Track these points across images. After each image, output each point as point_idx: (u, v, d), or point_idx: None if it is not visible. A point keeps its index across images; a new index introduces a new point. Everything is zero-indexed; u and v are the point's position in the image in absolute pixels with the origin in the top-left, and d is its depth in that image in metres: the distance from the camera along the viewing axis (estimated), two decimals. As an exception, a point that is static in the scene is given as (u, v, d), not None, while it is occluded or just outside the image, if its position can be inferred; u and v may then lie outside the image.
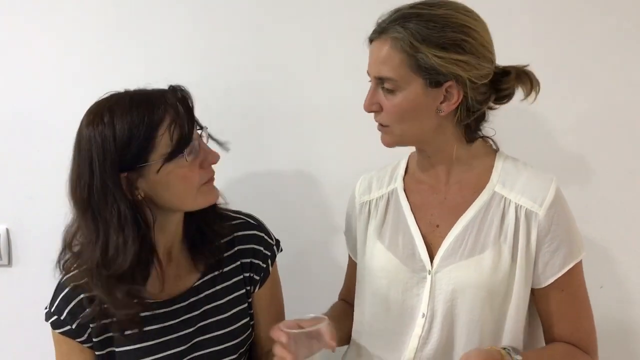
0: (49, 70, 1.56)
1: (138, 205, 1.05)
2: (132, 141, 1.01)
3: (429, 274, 1.13)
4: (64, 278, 1.15)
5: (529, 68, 1.11)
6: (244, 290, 1.23)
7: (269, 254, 1.26)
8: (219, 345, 1.19)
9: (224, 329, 1.20)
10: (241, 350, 1.23)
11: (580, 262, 1.11)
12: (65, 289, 1.14)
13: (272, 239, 1.28)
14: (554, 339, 1.13)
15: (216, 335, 1.19)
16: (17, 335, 1.65)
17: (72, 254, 1.11)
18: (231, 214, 1.26)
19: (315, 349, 1.10)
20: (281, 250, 1.30)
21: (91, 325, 1.13)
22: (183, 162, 1.06)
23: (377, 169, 1.31)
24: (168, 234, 1.15)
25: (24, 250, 1.64)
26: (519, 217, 1.09)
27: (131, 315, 1.08)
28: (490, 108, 1.13)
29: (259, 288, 1.26)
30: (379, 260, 1.20)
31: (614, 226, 1.49)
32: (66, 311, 1.13)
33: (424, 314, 1.13)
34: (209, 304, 1.19)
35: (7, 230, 1.63)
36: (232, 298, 1.22)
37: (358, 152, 1.53)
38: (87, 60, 1.55)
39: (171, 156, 1.04)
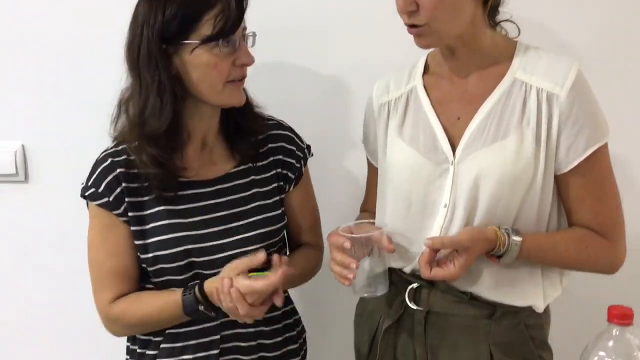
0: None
1: (175, 79, 1.12)
2: (178, 16, 1.08)
3: (451, 164, 1.12)
4: (102, 154, 1.20)
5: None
6: (276, 185, 1.27)
7: (301, 155, 1.31)
8: (249, 232, 1.21)
9: (254, 216, 1.22)
10: (271, 241, 1.24)
11: (604, 147, 1.10)
12: (103, 163, 1.18)
13: (303, 143, 1.33)
14: (577, 225, 1.13)
15: (247, 223, 1.21)
16: (35, 253, 1.67)
17: (120, 114, 1.18)
18: (265, 115, 1.30)
19: (365, 255, 1.13)
20: (312, 154, 1.34)
21: (127, 200, 1.16)
22: (217, 51, 1.11)
23: (393, 71, 1.29)
24: (203, 122, 1.20)
25: (40, 167, 1.64)
26: (540, 101, 1.08)
27: (162, 179, 1.14)
28: None
29: (293, 187, 1.30)
30: (400, 156, 1.19)
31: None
32: (104, 184, 1.16)
33: (445, 204, 1.13)
34: (241, 192, 1.22)
35: (23, 147, 1.62)
36: (266, 190, 1.25)
37: (374, 59, 1.50)
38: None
39: (207, 40, 1.10)
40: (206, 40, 1.09)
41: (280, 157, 1.28)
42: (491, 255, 1.09)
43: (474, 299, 1.14)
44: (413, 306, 1.18)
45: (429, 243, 1.07)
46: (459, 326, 1.16)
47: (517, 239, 1.07)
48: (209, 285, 1.13)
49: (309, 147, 1.34)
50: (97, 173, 1.18)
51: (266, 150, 1.27)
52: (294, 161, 1.29)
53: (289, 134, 1.31)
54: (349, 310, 1.35)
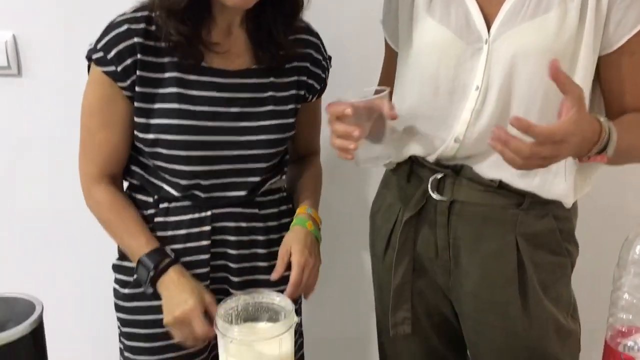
0: None
1: None
2: None
3: (485, 43, 1.04)
4: (119, 18, 1.09)
5: None
6: (294, 92, 1.19)
7: (326, 65, 1.24)
8: (256, 135, 1.14)
9: (265, 120, 1.15)
10: (275, 150, 1.18)
11: None
12: (118, 28, 1.08)
13: (326, 52, 1.25)
14: (623, 112, 1.05)
15: (256, 126, 1.14)
16: (30, 150, 1.59)
17: None
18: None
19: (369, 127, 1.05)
20: (331, 66, 1.27)
21: (138, 73, 1.08)
22: None
23: None
24: (227, 11, 1.09)
25: (33, 59, 1.53)
26: None
27: (185, 49, 1.07)
28: None
29: (316, 98, 1.24)
30: (428, 35, 1.10)
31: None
32: (114, 51, 1.07)
33: (477, 86, 1.06)
34: (258, 93, 1.14)
35: (14, 37, 1.52)
36: (282, 96, 1.17)
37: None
38: None
39: None
40: None
41: (307, 65, 1.20)
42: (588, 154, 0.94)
43: (502, 187, 1.09)
44: (436, 196, 1.13)
45: (515, 122, 0.85)
46: (484, 216, 1.11)
47: (607, 121, 0.95)
48: (172, 276, 1.09)
49: (330, 58, 1.26)
50: (109, 37, 1.08)
51: (292, 54, 1.17)
52: (319, 71, 1.22)
53: (317, 41, 1.22)
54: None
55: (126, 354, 1.21)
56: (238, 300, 0.94)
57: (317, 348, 1.42)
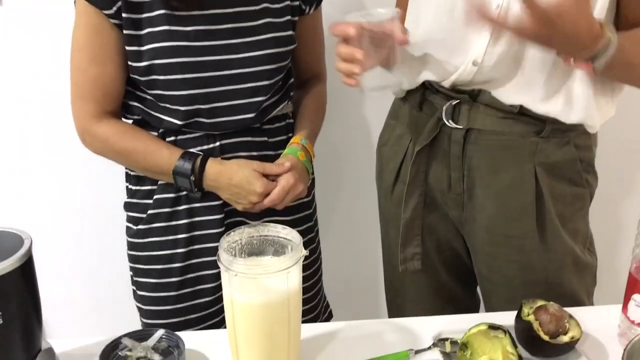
0: None
1: None
2: None
3: (509, -45, 0.95)
4: None
5: None
6: (289, 3, 1.11)
7: None
8: (255, 51, 1.07)
9: (262, 34, 1.07)
10: (279, 64, 1.10)
11: None
12: None
13: None
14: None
15: (254, 41, 1.07)
16: (18, 76, 1.50)
17: None
18: None
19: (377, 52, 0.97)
20: None
21: None
22: None
23: None
24: None
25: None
26: None
27: None
28: None
29: (313, 9, 1.16)
30: None
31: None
32: None
33: (498, 4, 0.97)
34: (250, 6, 1.06)
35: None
36: (277, 8, 1.09)
37: None
38: None
39: None
40: None
41: None
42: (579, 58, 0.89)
43: (522, 113, 1.02)
44: (451, 124, 1.06)
45: None
46: (502, 145, 1.04)
47: (614, 34, 0.88)
48: (214, 165, 1.07)
49: None
50: None
51: None
52: None
53: None
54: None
55: (140, 292, 1.17)
56: (242, 234, 0.87)
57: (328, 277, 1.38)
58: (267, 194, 1.07)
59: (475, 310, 1.27)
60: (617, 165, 1.36)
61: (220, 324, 1.15)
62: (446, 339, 0.91)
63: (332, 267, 1.43)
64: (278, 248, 0.88)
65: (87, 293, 1.70)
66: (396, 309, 1.27)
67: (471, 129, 1.05)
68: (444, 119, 1.06)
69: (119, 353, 0.87)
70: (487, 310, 1.18)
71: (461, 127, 1.05)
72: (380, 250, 1.28)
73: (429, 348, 0.91)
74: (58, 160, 1.56)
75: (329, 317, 1.34)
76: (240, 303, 0.83)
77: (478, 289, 1.24)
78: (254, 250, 0.88)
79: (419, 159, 1.10)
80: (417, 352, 0.90)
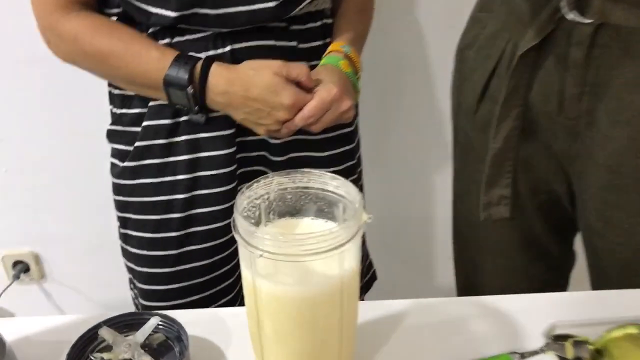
0: None
1: None
2: None
3: None
4: None
5: None
6: None
7: None
8: None
9: None
10: None
11: None
12: None
13: None
14: None
15: None
16: None
17: None
18: None
19: None
20: None
21: None
22: None
23: None
24: None
25: None
26: None
27: None
28: None
29: None
30: None
31: None
32: None
33: None
34: None
35: None
36: None
37: None
38: None
39: None
40: None
41: None
42: None
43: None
44: (575, 17, 0.72)
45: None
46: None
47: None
48: (221, 71, 0.75)
49: None
50: None
51: None
52: None
53: None
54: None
55: (131, 250, 0.88)
56: (270, 185, 0.57)
57: (371, 228, 1.09)
58: (300, 109, 0.76)
59: (569, 270, 0.98)
60: None
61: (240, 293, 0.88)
62: (564, 338, 0.63)
63: (381, 209, 1.13)
64: (323, 206, 0.59)
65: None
66: (465, 265, 0.99)
67: (603, 24, 0.71)
68: (563, 10, 0.72)
69: (91, 357, 0.60)
70: (592, 274, 0.89)
71: (589, 21, 0.71)
72: (442, 193, 0.98)
73: (541, 351, 0.63)
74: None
75: (372, 279, 1.05)
76: (268, 293, 0.54)
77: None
78: (288, 209, 0.59)
79: (521, 67, 0.77)
80: (524, 356, 0.62)
